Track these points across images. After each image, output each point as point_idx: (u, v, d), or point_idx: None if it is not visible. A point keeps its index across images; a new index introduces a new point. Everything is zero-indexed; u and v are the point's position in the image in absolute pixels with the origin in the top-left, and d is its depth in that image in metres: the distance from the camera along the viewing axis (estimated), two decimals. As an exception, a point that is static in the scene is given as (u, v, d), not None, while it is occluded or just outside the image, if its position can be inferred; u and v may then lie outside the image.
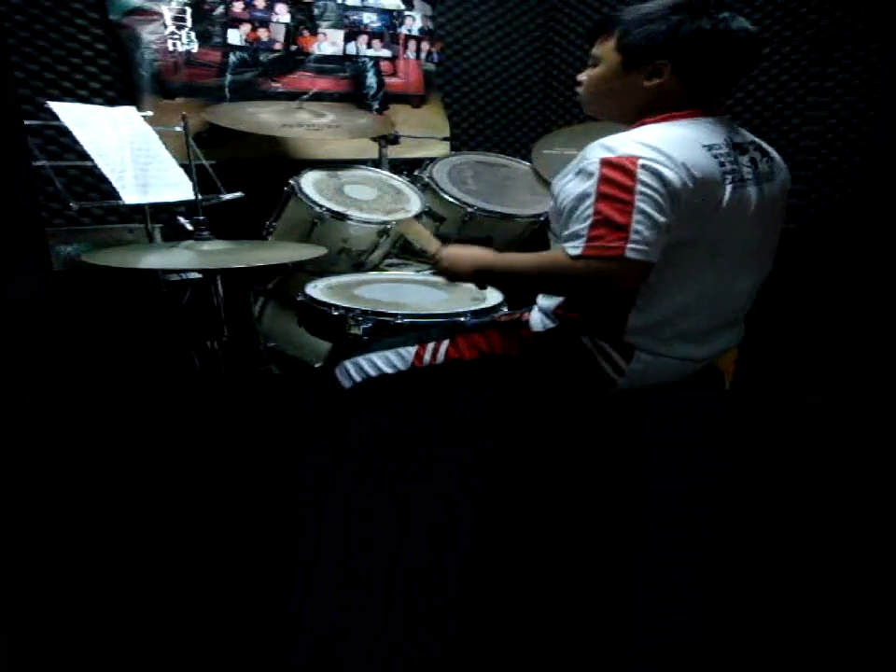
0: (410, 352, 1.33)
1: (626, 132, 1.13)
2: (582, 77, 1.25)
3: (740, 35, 1.11)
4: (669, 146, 1.06)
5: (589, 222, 1.04)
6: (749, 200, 1.14)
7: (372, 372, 1.35)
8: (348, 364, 1.39)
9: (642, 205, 1.02)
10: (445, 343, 1.32)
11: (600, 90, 1.22)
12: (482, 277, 1.26)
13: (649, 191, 1.02)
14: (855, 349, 0.88)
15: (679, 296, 1.15)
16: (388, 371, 1.34)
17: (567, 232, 1.09)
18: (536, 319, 1.31)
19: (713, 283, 1.17)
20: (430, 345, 1.32)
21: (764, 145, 1.25)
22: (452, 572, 0.93)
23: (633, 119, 1.19)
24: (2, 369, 0.80)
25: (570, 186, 1.12)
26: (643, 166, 1.03)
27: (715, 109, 1.18)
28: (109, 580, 0.90)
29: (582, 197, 1.07)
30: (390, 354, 1.35)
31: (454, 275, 1.28)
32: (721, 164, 1.10)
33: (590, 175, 1.06)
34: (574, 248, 1.05)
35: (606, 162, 1.05)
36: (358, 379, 1.36)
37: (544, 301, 1.30)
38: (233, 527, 0.92)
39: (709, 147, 1.10)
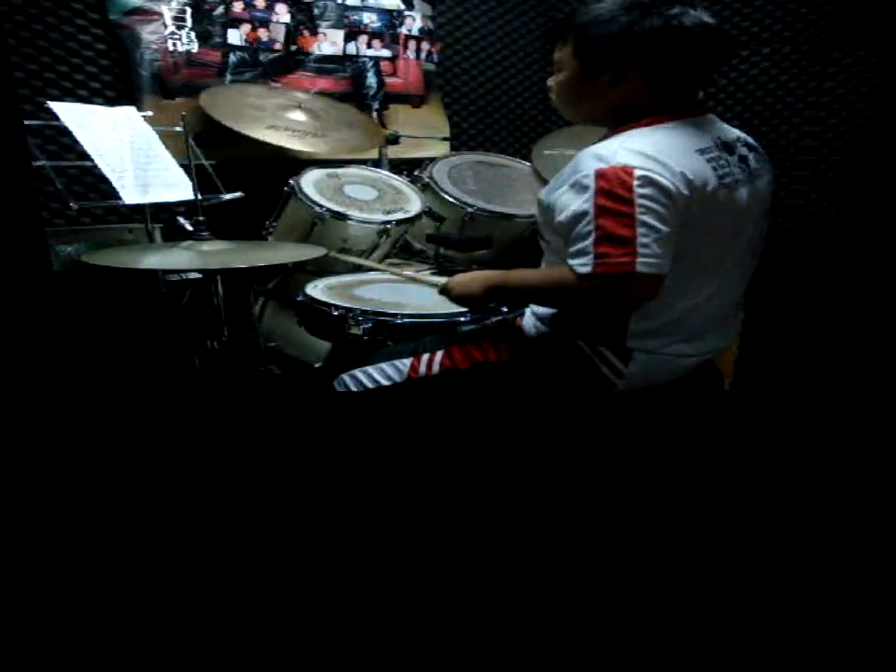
0: (405, 364, 1.33)
1: (616, 138, 1.10)
2: (551, 82, 1.22)
3: (696, 31, 1.07)
4: (663, 154, 1.03)
5: (592, 239, 1.02)
6: (743, 200, 1.13)
7: (370, 385, 1.36)
8: (346, 377, 1.40)
9: (644, 217, 0.99)
10: (440, 354, 1.32)
11: (570, 96, 1.20)
12: (493, 296, 1.26)
13: (648, 202, 1.00)
14: (855, 349, 0.88)
15: (680, 300, 1.15)
16: (385, 383, 1.34)
17: (571, 249, 1.06)
18: (528, 324, 1.30)
19: (714, 284, 1.16)
20: (425, 357, 1.33)
21: (750, 139, 1.22)
22: (453, 576, 0.93)
23: (612, 122, 1.17)
24: (1, 369, 0.80)
25: (565, 199, 1.08)
26: (640, 177, 1.00)
27: (698, 109, 1.15)
28: (108, 579, 0.90)
29: (581, 212, 1.04)
30: (386, 366, 1.35)
31: (467, 300, 1.30)
32: (715, 169, 1.08)
33: (585, 188, 1.03)
34: (583, 266, 1.03)
35: (600, 174, 1.02)
36: (356, 391, 1.37)
37: (537, 306, 1.29)
38: (233, 528, 0.92)
39: (702, 152, 1.08)
